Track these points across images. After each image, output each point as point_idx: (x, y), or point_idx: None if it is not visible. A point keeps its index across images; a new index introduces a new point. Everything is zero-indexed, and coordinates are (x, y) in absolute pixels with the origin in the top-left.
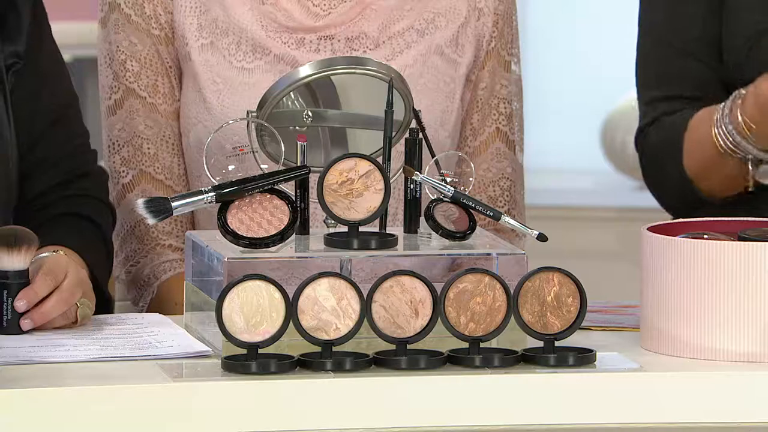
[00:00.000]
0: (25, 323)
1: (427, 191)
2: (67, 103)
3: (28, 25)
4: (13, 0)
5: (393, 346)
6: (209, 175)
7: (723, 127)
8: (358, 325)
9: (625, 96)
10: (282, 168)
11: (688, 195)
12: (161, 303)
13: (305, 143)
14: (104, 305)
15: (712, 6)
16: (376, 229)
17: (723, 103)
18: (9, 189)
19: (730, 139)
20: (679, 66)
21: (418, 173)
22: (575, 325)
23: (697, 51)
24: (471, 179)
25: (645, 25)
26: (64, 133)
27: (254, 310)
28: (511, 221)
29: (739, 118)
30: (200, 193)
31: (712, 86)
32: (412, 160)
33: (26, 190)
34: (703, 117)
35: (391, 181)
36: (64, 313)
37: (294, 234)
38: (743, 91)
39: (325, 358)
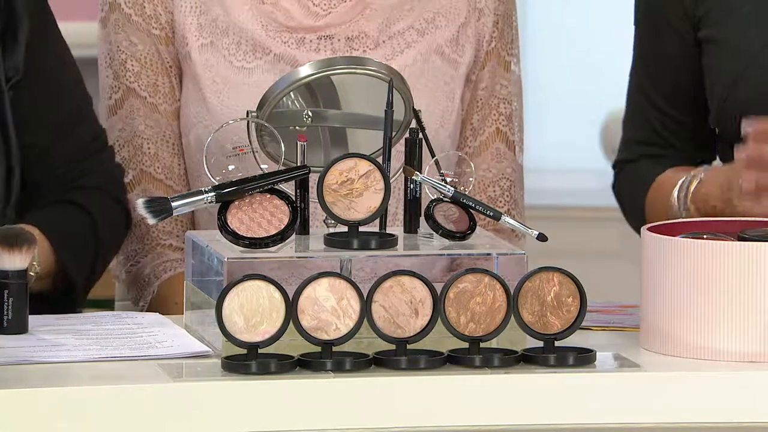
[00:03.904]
0: None
1: (427, 191)
2: (76, 106)
3: (27, 35)
4: (11, 12)
5: (393, 346)
6: (209, 175)
7: (682, 205)
8: (358, 325)
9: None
10: (282, 168)
11: None
12: (161, 303)
13: (305, 143)
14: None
15: (686, 47)
16: (376, 229)
17: (682, 180)
18: (8, 197)
19: (689, 213)
20: (651, 115)
21: (418, 173)
22: (575, 325)
23: (665, 104)
24: (471, 179)
25: (634, 63)
26: (73, 138)
27: (254, 310)
28: (511, 221)
29: (699, 203)
30: (200, 193)
31: (681, 136)
32: (412, 160)
33: (31, 193)
34: (664, 182)
35: (391, 181)
36: None
37: (294, 234)
38: (702, 176)
39: (325, 358)
